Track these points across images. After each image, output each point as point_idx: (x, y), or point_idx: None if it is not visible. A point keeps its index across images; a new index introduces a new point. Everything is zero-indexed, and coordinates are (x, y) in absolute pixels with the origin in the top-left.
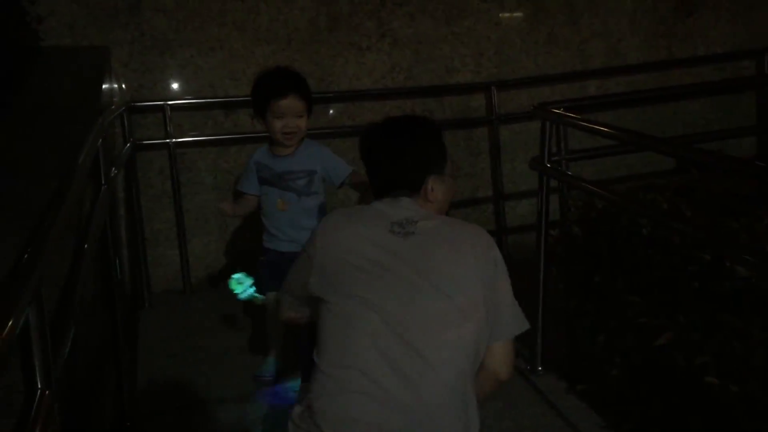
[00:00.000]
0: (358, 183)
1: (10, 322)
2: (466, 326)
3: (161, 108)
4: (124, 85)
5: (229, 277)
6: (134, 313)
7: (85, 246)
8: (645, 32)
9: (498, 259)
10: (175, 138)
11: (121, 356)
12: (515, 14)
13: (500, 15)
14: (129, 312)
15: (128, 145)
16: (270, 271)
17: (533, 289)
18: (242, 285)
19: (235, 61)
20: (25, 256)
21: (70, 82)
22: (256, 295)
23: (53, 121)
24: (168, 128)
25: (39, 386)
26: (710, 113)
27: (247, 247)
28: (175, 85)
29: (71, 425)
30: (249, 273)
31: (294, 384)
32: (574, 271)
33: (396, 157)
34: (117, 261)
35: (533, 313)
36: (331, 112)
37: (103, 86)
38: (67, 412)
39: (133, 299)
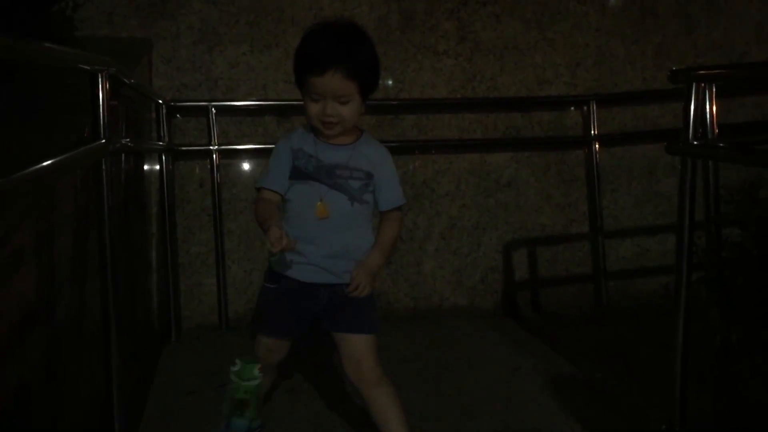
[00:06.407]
0: (392, 222)
1: None
2: None
3: (205, 110)
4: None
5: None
6: (157, 349)
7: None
8: None
9: None
10: (219, 145)
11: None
12: (619, 19)
13: (601, 19)
14: (150, 347)
15: (162, 146)
16: (278, 308)
17: (664, 328)
18: (235, 391)
19: (292, 62)
20: None
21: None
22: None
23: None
24: (212, 133)
25: None
26: None
27: None
28: (222, 86)
29: None
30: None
31: None
32: (738, 293)
33: None
34: (109, 268)
35: (665, 359)
36: None
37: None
38: None
39: (159, 333)
